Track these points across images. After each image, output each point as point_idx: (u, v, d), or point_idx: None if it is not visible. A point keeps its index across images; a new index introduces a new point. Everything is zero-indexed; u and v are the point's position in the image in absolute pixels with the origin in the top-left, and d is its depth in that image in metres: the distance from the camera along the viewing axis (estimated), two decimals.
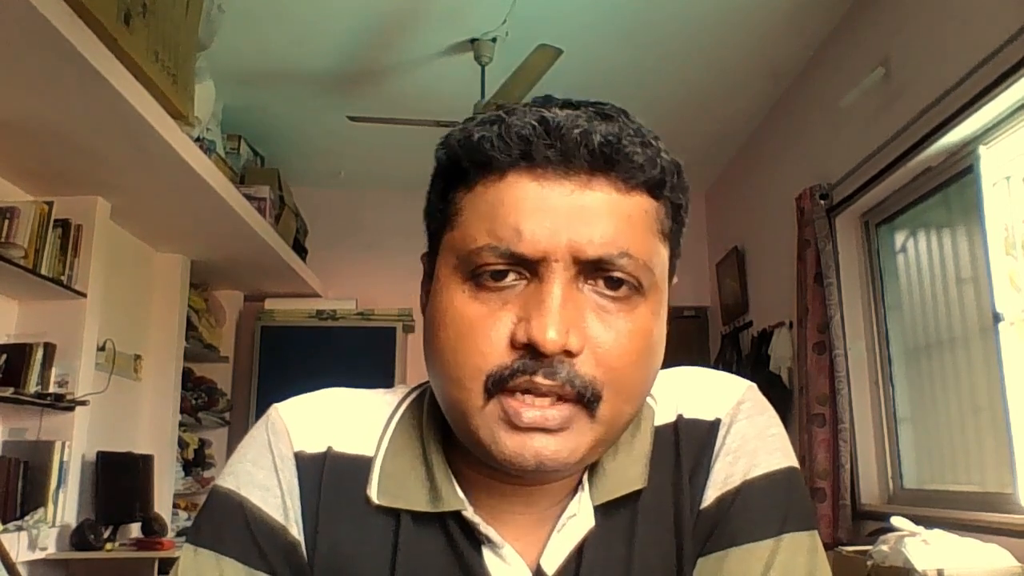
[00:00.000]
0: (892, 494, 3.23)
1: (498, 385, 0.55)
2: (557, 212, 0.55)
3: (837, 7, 3.39)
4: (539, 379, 0.54)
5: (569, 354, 0.54)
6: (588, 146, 0.55)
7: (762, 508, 0.62)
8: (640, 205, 0.58)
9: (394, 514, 0.62)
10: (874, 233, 3.43)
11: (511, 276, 0.56)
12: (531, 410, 0.54)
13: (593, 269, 0.56)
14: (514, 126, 0.56)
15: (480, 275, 0.56)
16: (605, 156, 0.56)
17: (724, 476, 0.63)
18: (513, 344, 0.55)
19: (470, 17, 3.46)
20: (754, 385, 0.68)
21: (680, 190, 0.62)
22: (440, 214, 0.61)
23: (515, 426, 0.55)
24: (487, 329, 0.56)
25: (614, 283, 0.56)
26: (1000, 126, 2.57)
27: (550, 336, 0.53)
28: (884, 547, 2.28)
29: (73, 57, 2.29)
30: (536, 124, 0.55)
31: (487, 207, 0.57)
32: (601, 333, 0.56)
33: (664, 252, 0.61)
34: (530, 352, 0.54)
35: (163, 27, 2.75)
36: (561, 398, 0.55)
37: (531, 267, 0.55)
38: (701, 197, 5.35)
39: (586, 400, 0.55)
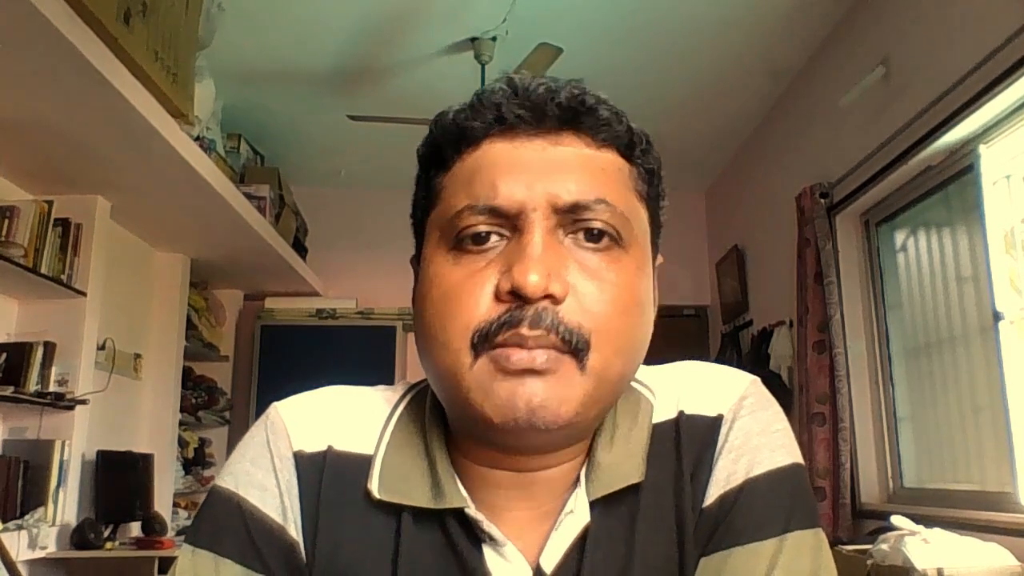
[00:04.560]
0: (892, 493, 3.23)
1: (484, 340, 0.55)
2: (531, 167, 0.58)
3: (837, 7, 3.39)
4: (524, 330, 0.54)
5: (554, 300, 0.55)
6: (555, 100, 0.59)
7: (765, 507, 0.61)
8: (613, 161, 0.61)
9: (395, 512, 0.61)
10: (874, 232, 3.43)
11: (493, 238, 0.57)
12: (520, 353, 0.55)
13: (572, 220, 0.57)
14: (485, 94, 0.60)
15: (463, 240, 0.58)
16: (572, 110, 0.59)
17: (727, 474, 0.62)
18: (498, 296, 0.56)
19: (470, 16, 3.45)
20: (757, 379, 0.67)
21: (652, 158, 0.64)
22: (424, 201, 0.64)
23: (506, 371, 0.55)
24: (472, 288, 0.57)
25: (594, 236, 0.58)
26: (1000, 125, 2.56)
27: (531, 279, 0.54)
28: (884, 546, 2.28)
29: (73, 57, 2.29)
30: (505, 87, 0.60)
31: (466, 176, 0.60)
32: (583, 281, 0.57)
33: (642, 212, 0.62)
34: (515, 301, 0.55)
35: (163, 26, 2.75)
36: (550, 348, 0.55)
37: (511, 223, 0.57)
38: (701, 197, 5.32)
39: (574, 347, 0.55)
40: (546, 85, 0.59)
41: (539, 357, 0.55)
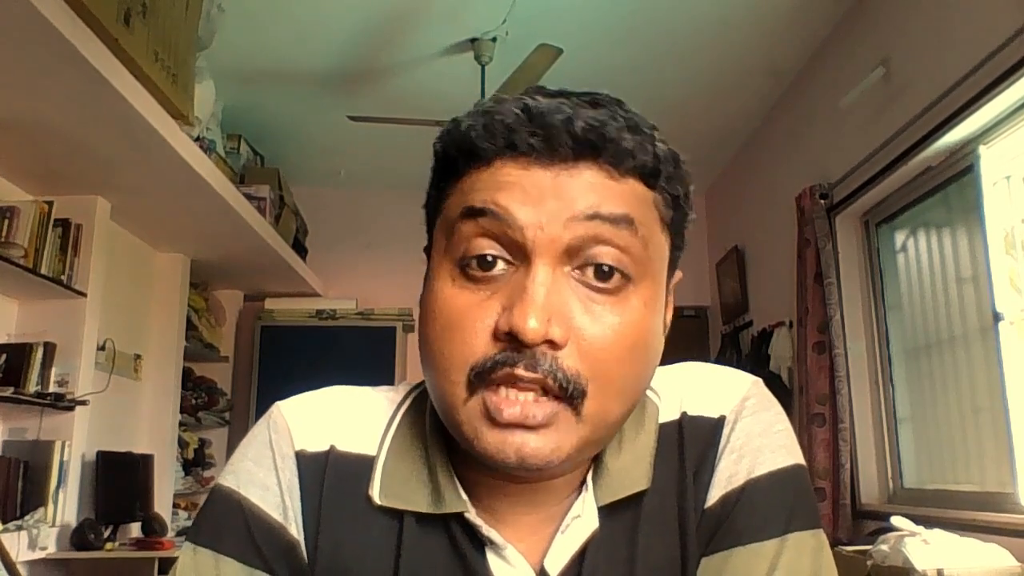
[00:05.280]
0: (892, 494, 3.23)
1: (480, 377, 0.54)
2: (542, 196, 0.55)
3: (837, 7, 3.39)
4: (520, 371, 0.53)
5: (553, 346, 0.53)
6: (571, 132, 0.54)
7: (766, 507, 0.61)
8: (633, 191, 0.57)
9: (397, 515, 0.61)
10: (874, 233, 3.43)
11: (499, 265, 0.55)
12: (512, 407, 0.53)
13: (581, 257, 0.55)
14: (498, 115, 0.56)
15: (468, 262, 0.56)
16: (589, 142, 0.55)
17: (728, 475, 0.62)
18: (496, 335, 0.54)
19: (470, 17, 3.45)
20: (759, 380, 0.67)
21: (678, 180, 0.60)
22: (434, 203, 0.62)
23: (496, 422, 0.54)
24: (473, 319, 0.55)
25: (604, 274, 0.55)
26: (1000, 126, 2.56)
27: (531, 325, 0.52)
28: (884, 547, 2.28)
29: (73, 57, 2.29)
30: (520, 112, 0.55)
31: (475, 195, 0.57)
32: (588, 325, 0.54)
33: (663, 241, 0.60)
34: (512, 343, 0.53)
35: (163, 27, 2.75)
36: (545, 392, 0.54)
37: (517, 251, 0.55)
38: (701, 197, 5.34)
39: (570, 395, 0.54)
40: (564, 113, 0.54)
41: (532, 412, 0.53)
